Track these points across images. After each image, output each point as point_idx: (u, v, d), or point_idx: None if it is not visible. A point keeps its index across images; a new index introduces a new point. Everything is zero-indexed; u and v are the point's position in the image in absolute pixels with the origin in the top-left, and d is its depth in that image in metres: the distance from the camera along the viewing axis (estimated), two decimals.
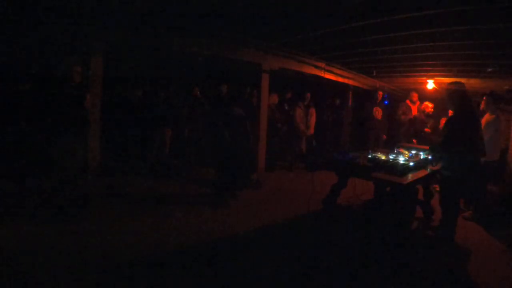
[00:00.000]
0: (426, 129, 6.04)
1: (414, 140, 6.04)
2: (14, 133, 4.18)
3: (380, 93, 6.93)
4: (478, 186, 4.15)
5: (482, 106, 4.34)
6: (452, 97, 3.30)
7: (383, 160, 3.51)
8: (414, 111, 6.57)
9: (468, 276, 2.77)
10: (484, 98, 4.25)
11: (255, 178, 5.21)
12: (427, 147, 4.06)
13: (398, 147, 4.18)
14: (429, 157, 3.79)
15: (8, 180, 4.07)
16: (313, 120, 6.60)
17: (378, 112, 6.76)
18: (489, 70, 5.55)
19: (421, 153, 3.93)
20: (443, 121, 5.58)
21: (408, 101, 6.70)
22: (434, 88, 7.13)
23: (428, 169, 3.60)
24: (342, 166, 3.84)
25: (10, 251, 2.66)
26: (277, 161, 6.57)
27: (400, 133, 6.59)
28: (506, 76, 5.90)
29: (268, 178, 5.44)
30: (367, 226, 3.61)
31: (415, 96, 6.62)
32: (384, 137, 6.85)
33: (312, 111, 6.58)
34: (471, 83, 6.62)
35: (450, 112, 5.27)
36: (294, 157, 6.59)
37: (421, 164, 3.63)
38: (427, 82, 7.11)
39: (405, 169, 3.29)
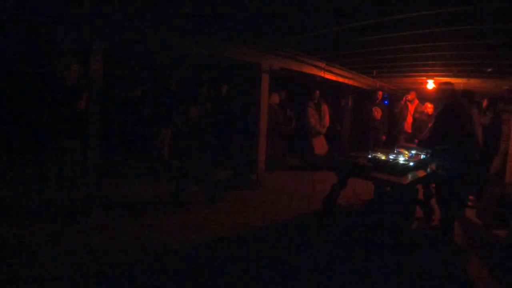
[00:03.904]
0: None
1: (415, 140, 6.05)
2: (14, 133, 4.18)
3: (380, 93, 6.95)
4: (476, 183, 4.18)
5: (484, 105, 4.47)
6: (442, 96, 3.43)
7: (383, 160, 3.51)
8: (411, 110, 6.64)
9: (468, 276, 2.77)
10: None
11: (255, 178, 5.21)
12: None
13: (398, 147, 4.19)
14: (423, 155, 3.79)
15: (8, 181, 4.07)
16: (327, 118, 6.62)
17: (377, 112, 6.77)
18: (489, 70, 5.55)
19: (421, 153, 3.93)
20: None
21: (405, 100, 6.78)
22: (434, 88, 7.14)
23: (428, 169, 3.61)
24: (342, 166, 3.84)
25: (10, 251, 2.66)
26: (281, 161, 6.58)
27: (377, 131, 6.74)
28: (506, 76, 5.89)
29: (268, 178, 5.44)
30: (367, 226, 3.61)
31: (412, 95, 6.72)
32: (384, 138, 6.87)
33: (325, 108, 6.61)
34: (471, 83, 6.62)
35: None
36: (306, 157, 6.60)
37: (421, 164, 3.63)
38: (427, 82, 7.12)
39: (405, 169, 3.29)
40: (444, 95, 3.46)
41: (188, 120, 4.22)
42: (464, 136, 3.19)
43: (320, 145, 6.58)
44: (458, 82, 6.40)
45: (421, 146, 3.77)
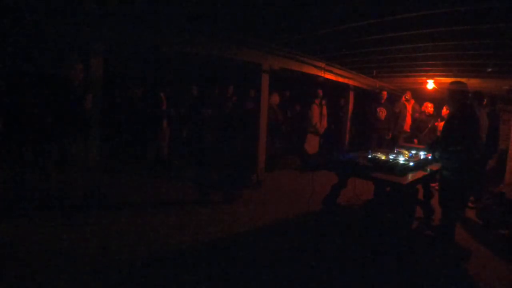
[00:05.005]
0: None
1: (415, 140, 6.06)
2: (15, 133, 4.17)
3: (385, 93, 6.95)
4: (477, 184, 4.17)
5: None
6: (453, 96, 3.31)
7: (383, 160, 3.51)
8: (410, 110, 6.67)
9: (468, 276, 2.77)
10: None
11: (255, 178, 5.21)
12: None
13: (398, 147, 4.19)
14: (429, 156, 3.79)
15: (8, 180, 4.07)
16: (325, 119, 6.67)
17: (382, 113, 6.77)
18: (489, 70, 5.55)
19: (421, 153, 3.93)
20: (439, 121, 5.63)
21: (404, 100, 6.82)
22: (434, 88, 7.15)
23: (428, 169, 3.61)
24: (342, 166, 3.84)
25: (10, 251, 2.66)
26: (280, 160, 6.59)
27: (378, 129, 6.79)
28: (506, 76, 5.89)
29: (268, 178, 5.44)
30: (367, 226, 3.61)
31: (408, 94, 6.82)
32: (390, 135, 6.88)
33: (325, 109, 6.66)
34: (471, 83, 6.61)
35: (444, 112, 5.31)
36: (303, 157, 6.61)
37: (421, 164, 3.63)
38: (427, 82, 7.13)
39: (405, 169, 3.29)
40: (456, 97, 3.26)
41: (203, 120, 4.28)
42: (471, 139, 3.18)
43: (313, 144, 6.60)
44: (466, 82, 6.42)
45: (431, 148, 3.69)
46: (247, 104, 6.12)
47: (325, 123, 6.72)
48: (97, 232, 3.11)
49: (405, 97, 6.84)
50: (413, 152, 3.99)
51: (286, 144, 7.12)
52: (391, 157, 3.64)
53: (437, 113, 5.91)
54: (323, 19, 3.76)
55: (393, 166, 3.28)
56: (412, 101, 6.78)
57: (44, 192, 3.66)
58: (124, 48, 5.15)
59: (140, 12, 3.50)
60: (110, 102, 5.58)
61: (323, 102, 6.69)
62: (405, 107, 6.80)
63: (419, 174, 3.42)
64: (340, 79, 6.95)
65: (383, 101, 6.85)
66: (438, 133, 5.45)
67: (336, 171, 4.00)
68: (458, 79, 3.50)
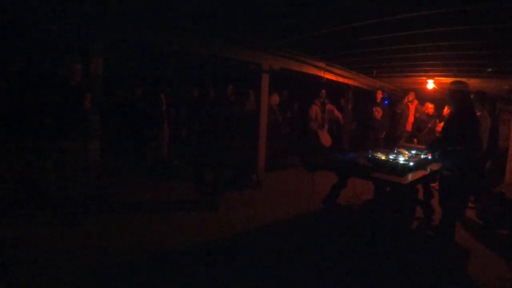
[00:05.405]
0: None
1: (415, 140, 6.06)
2: (15, 133, 4.17)
3: (380, 92, 6.95)
4: (477, 184, 4.17)
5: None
6: (454, 96, 3.31)
7: (383, 160, 3.51)
8: (412, 110, 6.66)
9: (468, 276, 2.77)
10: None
11: (255, 178, 5.21)
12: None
13: (398, 147, 4.19)
14: (429, 156, 3.79)
15: (8, 180, 4.07)
16: (326, 116, 6.72)
17: (378, 112, 6.78)
18: (489, 70, 5.55)
19: (421, 153, 3.93)
20: (437, 122, 5.62)
21: (406, 101, 6.82)
22: (434, 88, 7.14)
23: (428, 169, 3.61)
24: (342, 166, 3.84)
25: (10, 251, 2.66)
26: (280, 160, 6.59)
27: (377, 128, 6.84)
28: (506, 76, 5.89)
29: (268, 178, 5.44)
30: (367, 226, 3.60)
31: (411, 95, 6.78)
32: (384, 133, 6.89)
33: (330, 107, 6.69)
34: (471, 83, 6.60)
35: (445, 112, 5.30)
36: (310, 153, 6.64)
37: (421, 164, 3.63)
38: (427, 82, 7.13)
39: (405, 169, 3.29)
40: (457, 97, 3.25)
41: (203, 119, 4.28)
42: (471, 139, 3.18)
43: (326, 138, 6.66)
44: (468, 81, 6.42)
45: (431, 148, 3.69)
46: (247, 104, 6.13)
47: (337, 113, 6.83)
48: (97, 232, 3.11)
49: (408, 99, 6.81)
50: (413, 152, 3.99)
51: (286, 144, 7.12)
52: (391, 157, 3.64)
53: (438, 113, 5.91)
54: (323, 19, 3.76)
55: (393, 166, 3.28)
56: (416, 102, 6.75)
57: (44, 192, 3.66)
58: (124, 48, 5.16)
59: (140, 12, 3.50)
60: (110, 102, 5.58)
61: (326, 101, 6.70)
62: (408, 108, 6.79)
63: (419, 174, 3.42)
64: (340, 79, 6.95)
65: (378, 100, 6.87)
66: (438, 134, 5.44)
67: (336, 171, 4.00)
68: (459, 79, 3.50)
